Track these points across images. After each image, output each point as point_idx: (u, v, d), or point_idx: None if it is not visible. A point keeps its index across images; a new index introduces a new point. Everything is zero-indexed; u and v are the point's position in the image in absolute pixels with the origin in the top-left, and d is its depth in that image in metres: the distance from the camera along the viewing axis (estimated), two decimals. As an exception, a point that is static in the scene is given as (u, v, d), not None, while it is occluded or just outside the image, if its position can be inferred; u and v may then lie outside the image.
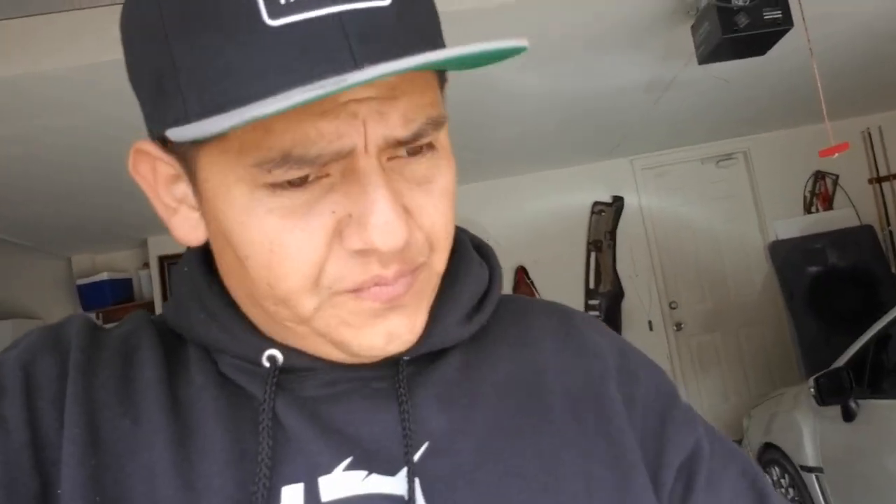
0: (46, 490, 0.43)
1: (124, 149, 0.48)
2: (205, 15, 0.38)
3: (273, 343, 0.49)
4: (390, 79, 0.39)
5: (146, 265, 5.35)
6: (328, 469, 0.45)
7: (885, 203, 5.46)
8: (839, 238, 5.25)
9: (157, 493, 0.43)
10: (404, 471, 0.46)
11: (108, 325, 0.51)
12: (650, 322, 5.48)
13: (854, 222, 5.41)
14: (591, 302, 5.41)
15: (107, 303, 5.26)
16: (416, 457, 0.47)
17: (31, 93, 2.58)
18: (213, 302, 0.50)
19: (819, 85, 3.00)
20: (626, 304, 5.45)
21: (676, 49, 3.20)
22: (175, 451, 0.44)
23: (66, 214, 4.26)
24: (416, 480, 0.46)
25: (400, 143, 0.41)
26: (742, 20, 2.53)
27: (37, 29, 2.39)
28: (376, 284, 0.43)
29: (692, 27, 2.83)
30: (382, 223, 0.39)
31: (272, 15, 0.37)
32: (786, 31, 2.56)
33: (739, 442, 4.26)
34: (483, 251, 0.58)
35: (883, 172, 5.48)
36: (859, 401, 2.93)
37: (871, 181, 5.52)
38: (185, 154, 0.43)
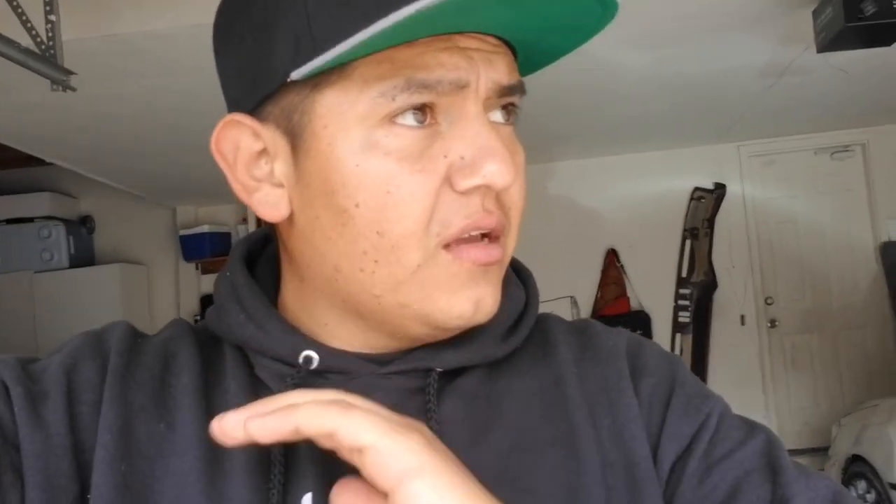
0: (84, 494, 0.44)
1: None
2: None
3: (311, 343, 0.49)
4: (493, 39, 0.45)
5: (245, 220, 5.54)
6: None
7: None
8: (960, 243, 4.89)
9: (185, 501, 0.44)
10: None
11: (154, 331, 0.53)
12: (742, 316, 5.29)
13: (978, 227, 5.02)
14: (682, 291, 5.26)
15: (205, 254, 5.49)
16: None
17: (142, 52, 2.67)
18: (252, 302, 0.51)
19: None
20: (719, 296, 5.27)
21: (795, 34, 3.03)
22: (205, 459, 0.45)
23: (174, 169, 4.45)
24: None
25: (504, 91, 0.46)
26: (869, 8, 2.36)
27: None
28: (478, 229, 0.46)
29: (813, 12, 2.66)
30: (498, 159, 0.44)
31: None
32: (917, 21, 2.38)
33: (825, 450, 4.08)
34: (522, 274, 0.58)
35: None
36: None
37: None
38: (295, 109, 0.45)
